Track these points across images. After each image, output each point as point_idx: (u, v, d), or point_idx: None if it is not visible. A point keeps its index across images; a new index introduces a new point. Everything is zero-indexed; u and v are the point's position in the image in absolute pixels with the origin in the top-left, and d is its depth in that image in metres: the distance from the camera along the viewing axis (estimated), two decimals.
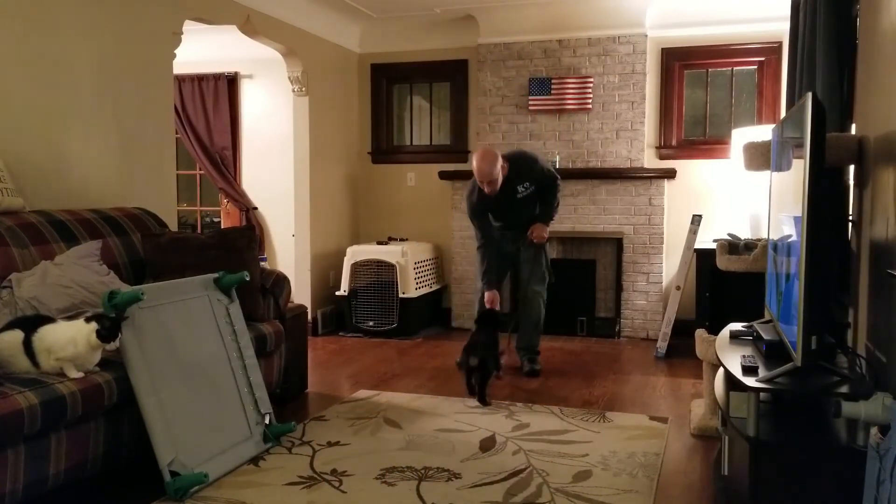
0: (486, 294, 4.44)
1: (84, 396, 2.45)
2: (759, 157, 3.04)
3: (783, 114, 4.67)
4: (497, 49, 5.82)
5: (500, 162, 4.22)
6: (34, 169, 3.45)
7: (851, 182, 3.02)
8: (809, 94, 2.10)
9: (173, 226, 4.17)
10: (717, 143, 5.45)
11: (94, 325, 2.52)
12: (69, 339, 2.51)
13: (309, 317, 4.53)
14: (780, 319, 2.54)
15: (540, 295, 4.52)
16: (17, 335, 2.50)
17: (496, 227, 4.57)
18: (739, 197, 4.90)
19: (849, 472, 2.02)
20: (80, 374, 2.52)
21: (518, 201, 4.38)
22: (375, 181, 6.40)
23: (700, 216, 5.03)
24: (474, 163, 4.24)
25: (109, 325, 2.53)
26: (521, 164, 4.38)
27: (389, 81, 6.37)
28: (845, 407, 1.91)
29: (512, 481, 2.79)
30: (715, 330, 3.14)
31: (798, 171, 2.18)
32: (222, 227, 6.54)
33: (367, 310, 5.64)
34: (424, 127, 6.38)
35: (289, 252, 6.04)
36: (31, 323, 2.57)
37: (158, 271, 3.41)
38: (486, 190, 4.27)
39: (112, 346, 2.55)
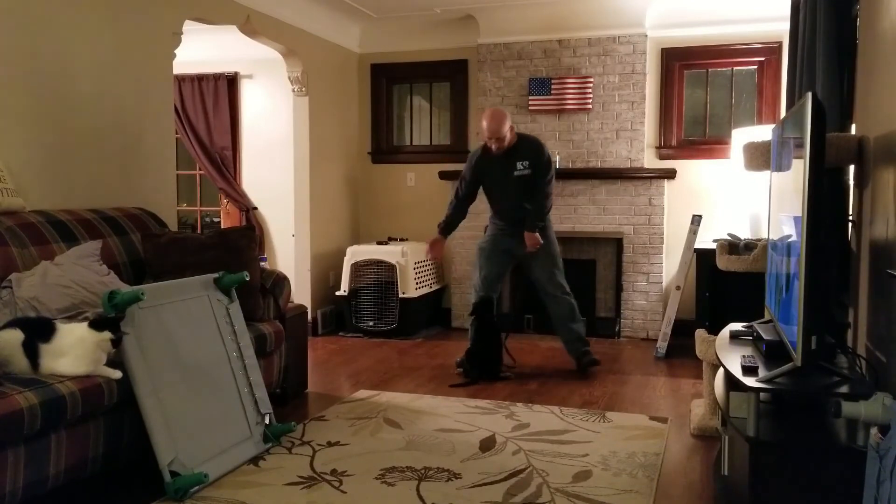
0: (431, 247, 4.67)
1: (84, 396, 2.45)
2: (759, 157, 3.04)
3: (783, 114, 4.67)
4: (497, 49, 5.82)
5: (509, 122, 4.35)
6: (34, 169, 3.45)
7: (851, 182, 3.02)
8: (809, 94, 2.10)
9: (173, 226, 4.17)
10: (717, 143, 5.45)
11: (107, 335, 2.53)
12: (77, 338, 2.53)
13: (309, 317, 4.53)
14: (780, 319, 2.54)
15: (560, 290, 4.51)
16: (16, 334, 2.50)
17: (494, 221, 4.60)
18: (739, 197, 4.89)
19: (849, 472, 2.02)
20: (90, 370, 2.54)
21: (513, 179, 4.41)
22: (375, 181, 6.40)
23: (700, 216, 5.03)
24: (483, 122, 4.36)
25: (117, 334, 2.55)
26: (527, 143, 4.49)
27: (389, 81, 6.37)
28: (845, 407, 1.91)
29: (512, 481, 2.79)
30: (715, 330, 3.14)
31: (798, 171, 2.18)
32: (222, 227, 6.54)
33: (367, 310, 5.64)
34: (424, 127, 6.38)
35: (289, 252, 6.04)
36: (32, 325, 2.56)
37: (158, 271, 3.41)
38: (493, 147, 4.37)
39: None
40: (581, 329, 4.58)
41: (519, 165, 4.40)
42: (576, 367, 4.55)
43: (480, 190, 4.64)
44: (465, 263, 5.94)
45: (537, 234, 4.42)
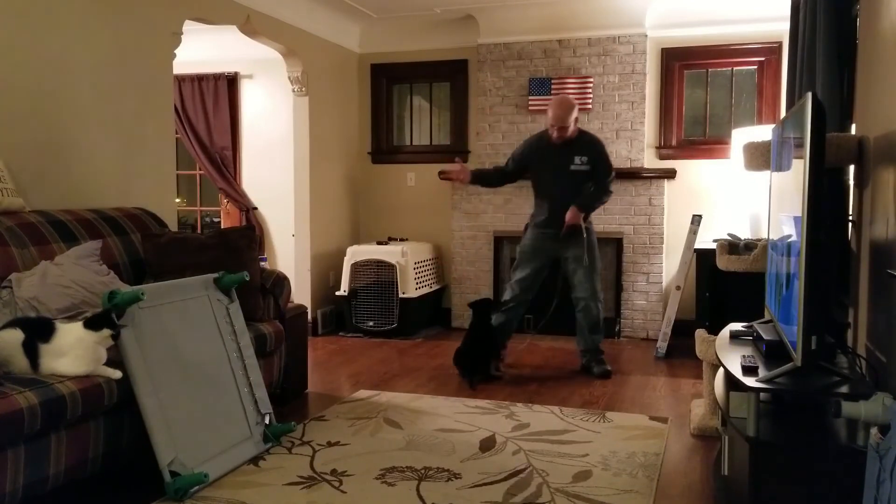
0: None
1: (84, 396, 2.45)
2: (759, 157, 3.04)
3: (783, 114, 4.67)
4: (497, 49, 5.82)
5: (575, 113, 4.35)
6: (34, 169, 3.45)
7: (851, 182, 3.02)
8: (809, 94, 2.10)
9: (173, 226, 4.17)
10: (717, 143, 5.45)
11: (106, 332, 2.53)
12: (76, 338, 2.53)
13: (309, 317, 4.53)
14: (780, 319, 2.54)
15: (593, 297, 4.50)
16: (16, 334, 2.50)
17: (535, 222, 4.53)
18: (739, 197, 4.90)
19: (849, 472, 2.02)
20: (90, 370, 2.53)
21: (569, 173, 4.38)
22: (375, 181, 6.40)
23: (700, 216, 5.03)
24: (549, 109, 4.38)
25: (116, 328, 2.55)
26: (588, 139, 4.50)
27: (389, 81, 6.37)
28: (845, 407, 1.91)
29: (512, 481, 2.79)
30: (715, 330, 3.14)
31: (798, 171, 2.18)
32: (222, 227, 6.54)
33: (367, 310, 5.64)
34: (424, 127, 6.38)
35: (289, 252, 6.04)
36: (32, 325, 2.56)
37: (158, 271, 3.41)
38: (553, 135, 4.35)
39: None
40: (600, 340, 4.57)
41: (577, 160, 4.37)
42: (583, 371, 4.54)
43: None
44: (464, 263, 5.94)
45: (579, 215, 4.35)
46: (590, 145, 4.44)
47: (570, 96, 4.71)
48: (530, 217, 4.66)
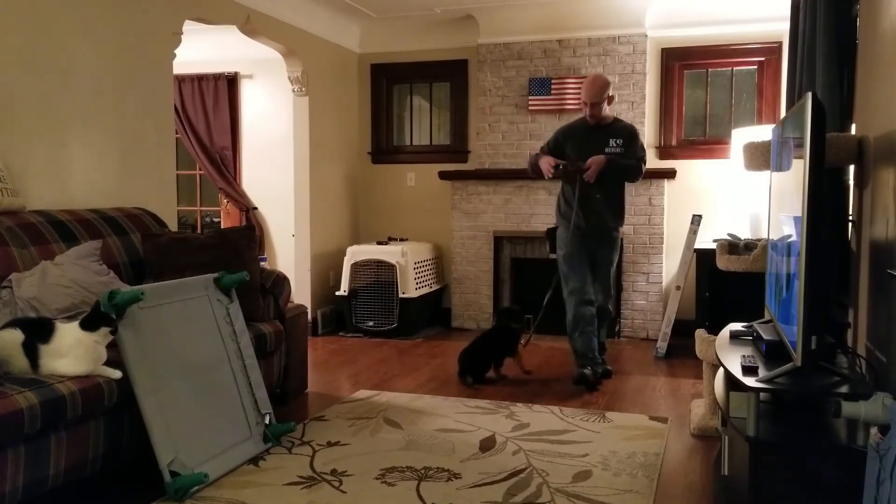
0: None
1: (84, 396, 2.45)
2: (759, 157, 3.04)
3: (783, 114, 4.67)
4: (497, 49, 5.82)
5: (609, 91, 4.32)
6: (34, 169, 3.45)
7: (851, 182, 3.02)
8: (809, 94, 2.10)
9: (173, 226, 4.17)
10: (717, 143, 5.45)
11: (104, 331, 2.54)
12: (75, 339, 2.52)
13: (309, 317, 4.53)
14: (780, 319, 2.54)
15: (608, 299, 4.47)
16: (16, 335, 2.50)
17: (566, 218, 4.39)
18: (739, 197, 4.90)
19: (849, 472, 2.02)
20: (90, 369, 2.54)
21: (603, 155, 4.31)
22: (375, 181, 6.40)
23: (700, 216, 5.03)
24: (583, 88, 4.35)
25: (113, 324, 2.55)
26: (623, 124, 4.48)
27: (389, 81, 6.37)
28: (845, 407, 1.91)
29: (512, 481, 2.79)
30: (715, 330, 3.14)
31: (798, 171, 2.18)
32: (222, 227, 6.54)
33: (367, 310, 5.64)
34: (424, 127, 6.38)
35: (289, 252, 6.04)
36: (32, 325, 2.56)
37: (158, 271, 3.42)
38: (587, 113, 4.31)
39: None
40: (602, 337, 4.55)
41: (612, 142, 4.32)
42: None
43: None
44: (464, 263, 5.94)
45: (602, 165, 4.18)
46: (624, 130, 4.41)
47: (606, 76, 4.60)
48: (558, 212, 4.48)
